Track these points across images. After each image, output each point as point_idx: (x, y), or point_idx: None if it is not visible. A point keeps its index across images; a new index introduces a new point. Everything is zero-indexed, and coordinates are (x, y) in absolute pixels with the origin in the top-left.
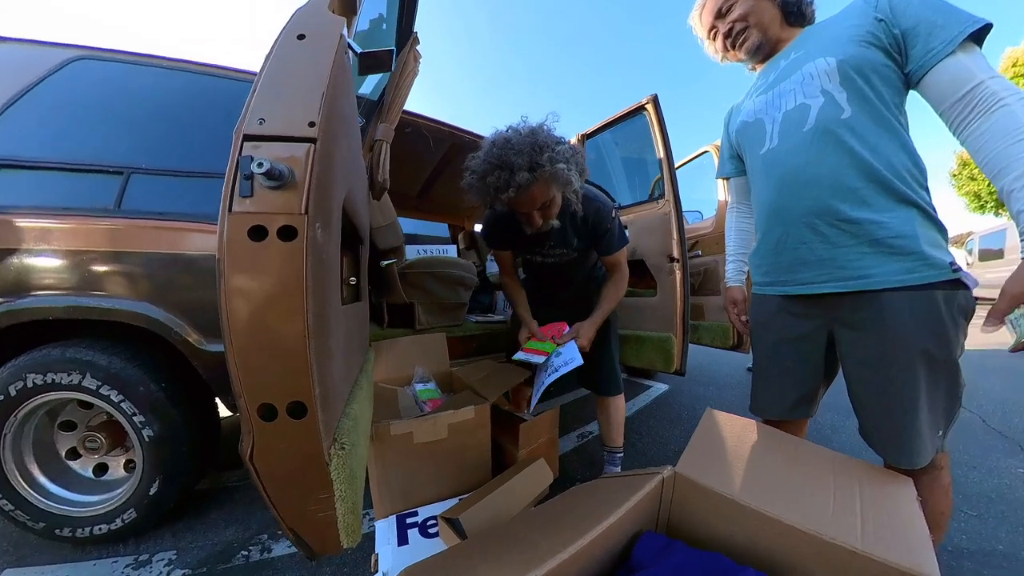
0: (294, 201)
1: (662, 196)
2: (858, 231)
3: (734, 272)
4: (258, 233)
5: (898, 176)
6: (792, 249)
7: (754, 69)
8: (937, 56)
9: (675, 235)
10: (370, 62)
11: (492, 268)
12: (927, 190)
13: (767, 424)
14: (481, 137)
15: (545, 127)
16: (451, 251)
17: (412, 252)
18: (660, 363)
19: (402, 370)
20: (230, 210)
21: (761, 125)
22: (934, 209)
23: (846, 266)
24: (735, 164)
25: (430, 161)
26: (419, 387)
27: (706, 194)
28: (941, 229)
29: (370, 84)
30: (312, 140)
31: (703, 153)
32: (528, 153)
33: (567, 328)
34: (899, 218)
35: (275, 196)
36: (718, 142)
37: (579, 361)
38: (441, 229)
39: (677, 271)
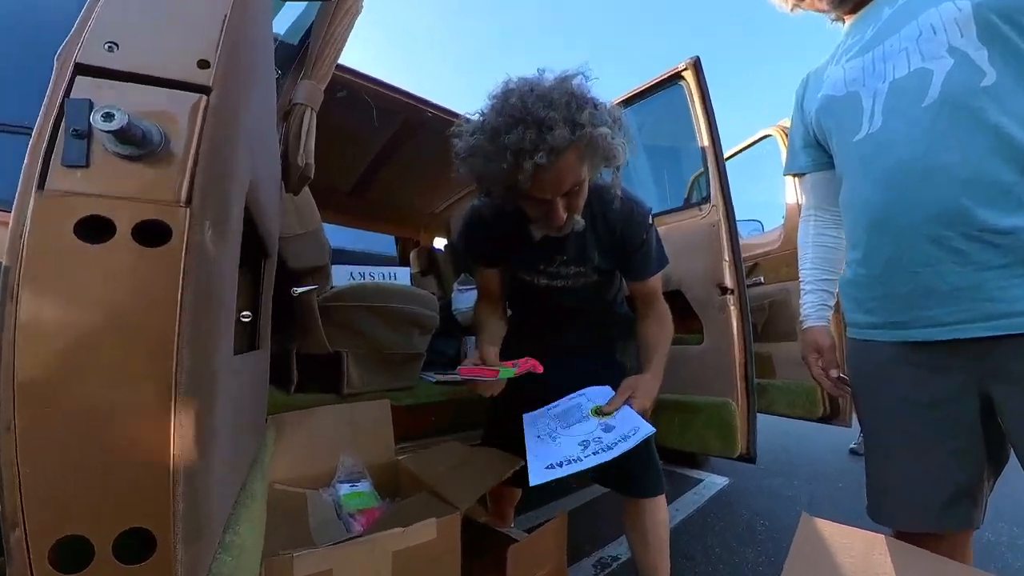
0: (167, 182)
1: (707, 200)
2: (1013, 244)
3: (815, 307)
4: (94, 229)
5: None
6: (909, 274)
7: (839, 21)
8: None
9: (727, 255)
10: None
11: (463, 302)
12: None
13: (902, 539)
14: (453, 113)
15: (577, 81)
16: (401, 276)
17: (342, 276)
18: (716, 443)
19: (318, 461)
20: (41, 187)
21: (856, 101)
22: None
23: (997, 297)
24: (812, 155)
25: (372, 142)
26: (345, 489)
27: (768, 195)
28: None
29: (284, 20)
30: (204, 89)
31: (763, 138)
32: (565, 105)
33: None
34: None
35: (132, 171)
36: (784, 122)
37: (647, 430)
38: (386, 243)
39: (732, 306)
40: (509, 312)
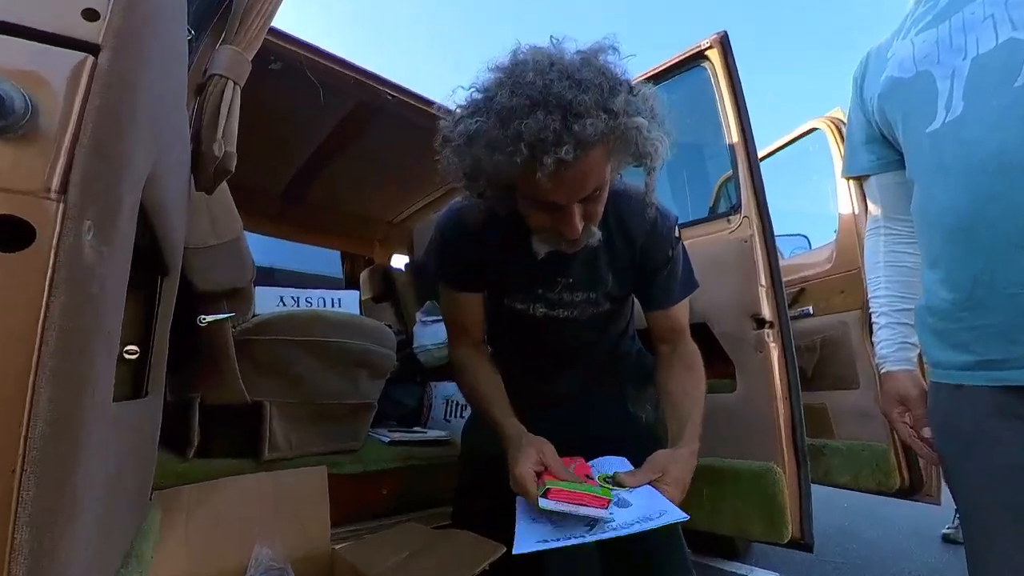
0: (32, 166)
1: (737, 209)
2: None
3: (895, 345)
4: None
5: None
6: (1006, 298)
7: None
8: None
9: (764, 278)
10: None
11: (428, 338)
12: None
13: None
14: (420, 97)
15: (607, 58)
16: (348, 302)
17: (269, 301)
18: (758, 525)
19: (224, 554)
20: None
21: (928, 82)
22: None
23: None
24: (878, 152)
25: (315, 131)
26: None
27: (814, 204)
28: None
29: None
30: (91, 48)
31: (809, 132)
32: (598, 86)
33: (590, 470)
34: None
35: None
36: (836, 112)
37: (677, 515)
38: (329, 261)
39: (772, 344)
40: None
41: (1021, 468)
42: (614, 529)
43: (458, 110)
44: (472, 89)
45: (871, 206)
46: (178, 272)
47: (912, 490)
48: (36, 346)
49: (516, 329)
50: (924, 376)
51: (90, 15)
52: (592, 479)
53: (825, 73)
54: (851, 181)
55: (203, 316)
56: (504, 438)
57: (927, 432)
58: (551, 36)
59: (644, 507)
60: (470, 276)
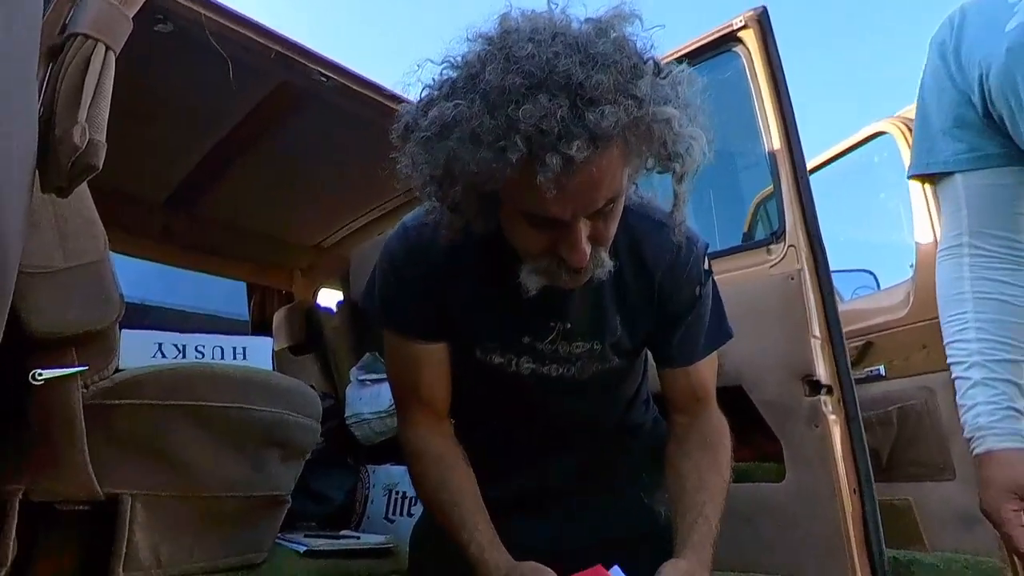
0: None
1: (780, 236)
2: None
3: (995, 411)
4: None
5: None
6: None
7: None
8: None
9: (818, 329)
10: None
11: (366, 404)
12: None
13: None
14: (363, 81)
15: (626, 30)
16: (256, 354)
17: (141, 349)
18: None
19: None
20: None
21: None
22: None
23: None
24: (970, 141)
25: (219, 118)
26: None
27: (883, 231)
28: None
29: None
30: None
31: (875, 136)
32: (616, 66)
33: None
34: None
35: None
36: (906, 111)
37: None
38: (231, 296)
39: (832, 416)
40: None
41: None
42: None
43: (427, 91)
44: (446, 64)
45: (950, 217)
46: (5, 308)
47: None
48: None
49: (490, 393)
50: None
51: None
52: None
53: (898, 62)
54: (925, 185)
55: (38, 370)
56: (478, 569)
57: None
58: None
59: None
60: (430, 319)
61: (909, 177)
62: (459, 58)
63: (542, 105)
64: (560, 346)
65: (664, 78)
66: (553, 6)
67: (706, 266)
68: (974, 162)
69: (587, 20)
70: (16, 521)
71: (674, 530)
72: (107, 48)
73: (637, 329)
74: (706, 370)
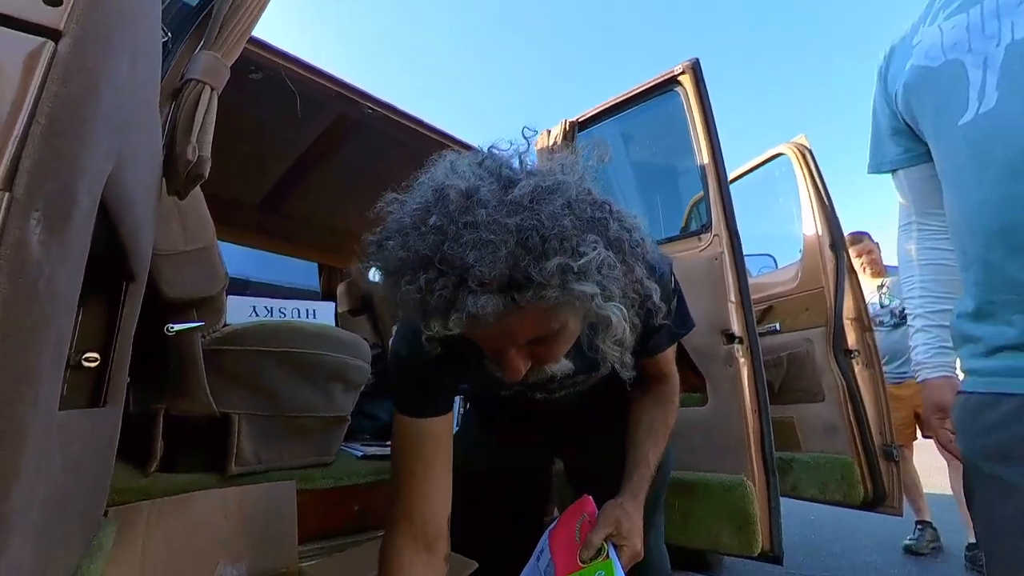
0: None
1: (707, 228)
2: None
3: (933, 350)
4: None
5: None
6: None
7: None
8: None
9: (733, 295)
10: None
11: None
12: None
13: None
14: (399, 111)
15: (576, 175)
16: (323, 314)
17: (241, 311)
18: (729, 538)
19: (185, 572)
20: None
21: (959, 71)
22: None
23: None
24: (906, 145)
25: (294, 142)
26: None
27: (780, 225)
28: None
29: None
30: (51, 33)
31: (775, 157)
32: (510, 250)
33: (586, 511)
34: None
35: None
36: (801, 138)
37: None
38: (306, 273)
39: (742, 358)
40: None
41: None
42: None
43: (368, 242)
44: (394, 212)
45: (901, 202)
46: (145, 279)
47: (876, 502)
48: None
49: (506, 408)
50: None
51: (52, 0)
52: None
53: (792, 102)
54: (822, 188)
55: (171, 325)
56: None
57: (955, 448)
58: (524, 128)
59: None
60: (443, 391)
61: (869, 172)
62: (396, 214)
63: (422, 286)
64: (565, 382)
65: (581, 256)
66: (519, 145)
67: (673, 285)
68: (911, 160)
69: (528, 182)
70: (161, 429)
71: (625, 461)
72: (212, 89)
73: (615, 353)
74: (670, 354)
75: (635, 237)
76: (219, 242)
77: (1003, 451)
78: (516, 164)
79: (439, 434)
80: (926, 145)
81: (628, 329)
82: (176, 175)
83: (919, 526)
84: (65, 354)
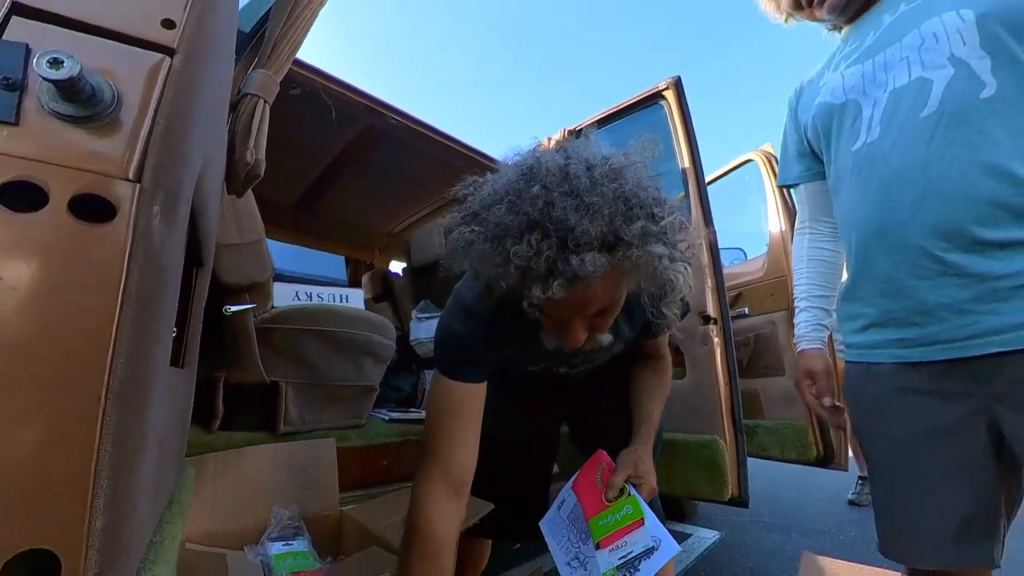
0: (115, 151)
1: (684, 226)
2: (1012, 257)
3: (809, 327)
4: (25, 196)
5: None
6: (908, 290)
7: (835, 30)
8: None
9: (710, 281)
10: None
11: (422, 332)
12: None
13: None
14: (420, 122)
15: (636, 165)
16: (354, 299)
17: (285, 295)
18: (705, 486)
19: (243, 514)
20: None
21: (855, 109)
22: None
23: (999, 310)
24: (807, 164)
25: (327, 149)
26: (277, 547)
27: (750, 223)
28: None
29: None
30: (167, 51)
31: (744, 163)
32: (608, 214)
33: (603, 461)
34: None
35: (73, 135)
36: (768, 146)
37: (672, 547)
38: (335, 265)
39: (716, 338)
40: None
41: (914, 431)
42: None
43: (462, 212)
44: (487, 183)
45: (799, 209)
46: (211, 265)
47: (825, 460)
48: (118, 301)
49: (529, 376)
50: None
51: (168, 24)
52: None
53: (757, 113)
54: (779, 193)
55: (229, 306)
56: None
57: (827, 401)
58: (585, 131)
59: (649, 532)
60: (481, 368)
61: (778, 186)
62: (487, 190)
63: (532, 245)
64: (588, 357)
65: (657, 222)
66: (581, 142)
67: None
68: (810, 177)
69: (608, 161)
70: (222, 394)
71: (632, 420)
72: (265, 102)
73: (635, 330)
74: (665, 337)
75: (681, 216)
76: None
77: (875, 409)
78: (595, 151)
79: (475, 398)
80: (822, 165)
81: (689, 289)
82: (236, 176)
83: (860, 482)
84: (174, 319)
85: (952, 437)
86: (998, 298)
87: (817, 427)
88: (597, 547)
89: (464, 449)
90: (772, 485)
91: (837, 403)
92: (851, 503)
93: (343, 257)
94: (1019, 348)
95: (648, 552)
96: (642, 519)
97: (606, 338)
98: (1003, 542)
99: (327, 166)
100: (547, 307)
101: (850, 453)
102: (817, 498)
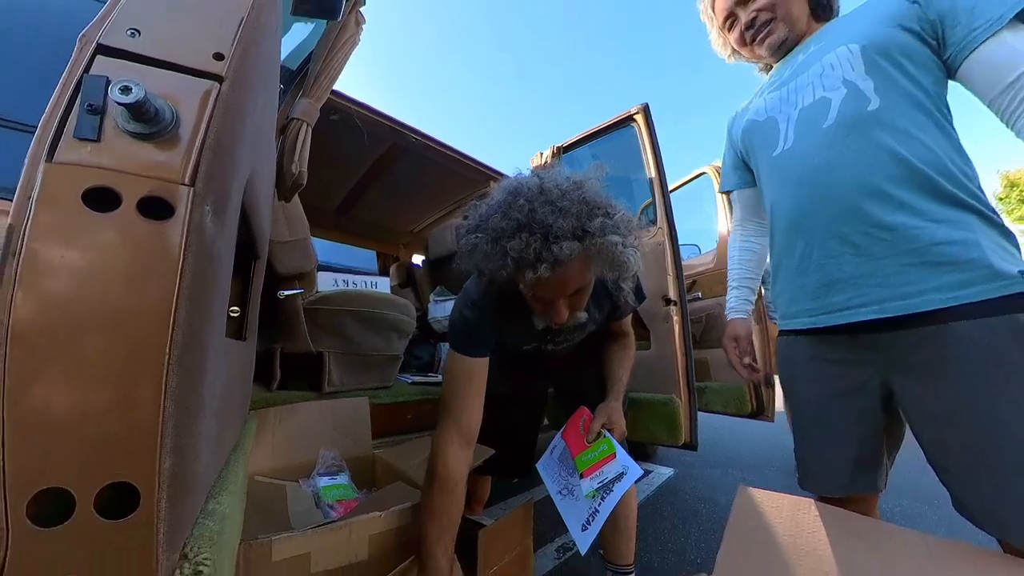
0: (174, 162)
1: (653, 223)
2: (896, 239)
3: (737, 301)
4: (103, 199)
5: (944, 173)
6: (818, 267)
7: (766, 69)
8: (980, 36)
9: (671, 270)
10: (311, 3)
11: (438, 312)
12: (983, 192)
13: (824, 502)
14: (435, 140)
15: (591, 180)
16: (382, 285)
17: (326, 282)
18: (663, 434)
19: (298, 454)
20: (50, 157)
21: (773, 124)
22: (996, 213)
23: (885, 283)
24: (740, 175)
25: (360, 164)
26: (324, 481)
27: (704, 223)
28: (1008, 235)
29: (287, 46)
30: (217, 78)
31: (699, 175)
32: (575, 213)
33: (585, 413)
34: (950, 222)
35: (141, 149)
36: (717, 163)
37: (636, 471)
38: (367, 258)
39: (675, 316)
40: None
41: (824, 392)
42: (606, 494)
43: (466, 225)
44: (482, 205)
45: (735, 210)
46: (265, 257)
47: (757, 413)
48: (176, 284)
49: (522, 357)
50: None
51: (218, 56)
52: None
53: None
54: (723, 199)
55: (282, 291)
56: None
57: (747, 360)
58: (552, 161)
59: (618, 465)
60: (487, 344)
61: (720, 192)
62: (485, 207)
63: (523, 241)
64: (563, 336)
65: (612, 217)
66: (553, 168)
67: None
68: (743, 185)
69: (568, 178)
70: (278, 361)
71: (606, 388)
72: (308, 125)
73: (603, 313)
74: (629, 319)
75: (627, 214)
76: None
77: (797, 374)
78: (562, 174)
79: (481, 370)
80: (752, 176)
81: (639, 270)
82: (284, 185)
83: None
84: (227, 301)
85: (854, 396)
86: (883, 271)
87: (752, 387)
88: (581, 477)
89: (473, 409)
90: (715, 433)
91: (753, 363)
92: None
93: (374, 252)
94: (896, 316)
95: (619, 477)
96: (615, 454)
97: (582, 315)
98: (887, 473)
99: (361, 177)
100: (537, 290)
101: (778, 407)
102: (750, 442)
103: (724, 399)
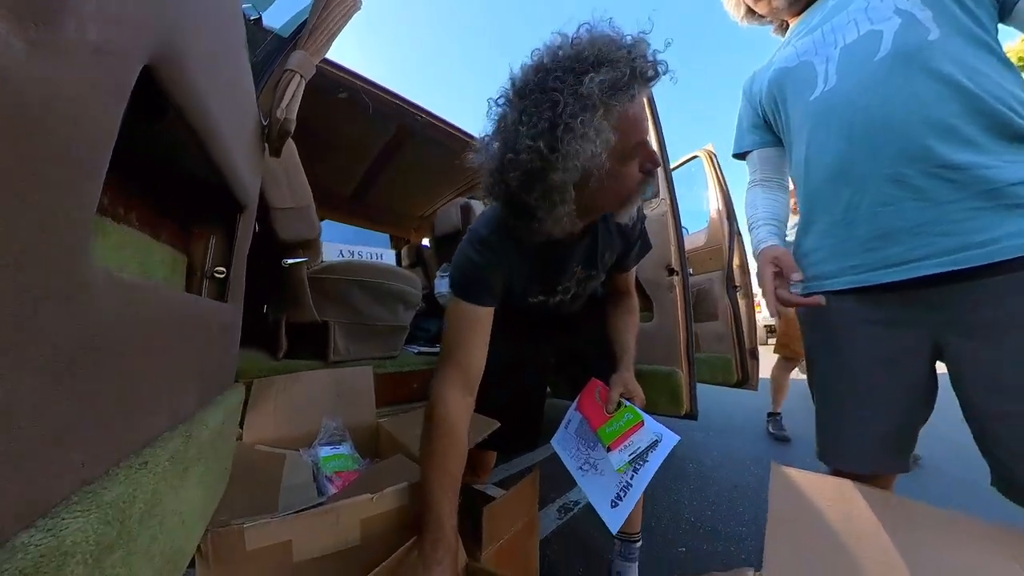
0: None
1: (656, 195)
2: (966, 179)
3: (768, 233)
4: None
5: (1015, 110)
6: (869, 216)
7: (781, 29)
8: None
9: (674, 241)
10: None
11: (442, 287)
12: None
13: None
14: (443, 120)
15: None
16: (387, 257)
17: (332, 252)
18: (666, 405)
19: (301, 423)
20: None
21: (809, 67)
22: None
23: (953, 231)
24: (761, 134)
25: (370, 148)
26: (325, 451)
27: (693, 205)
28: None
29: (280, 15)
30: None
31: (692, 159)
32: (632, 44)
33: (598, 385)
34: (1022, 162)
35: None
36: (710, 146)
37: (672, 438)
38: (381, 240)
39: (677, 287)
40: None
41: (871, 363)
42: (640, 467)
43: (505, 125)
44: (492, 111)
45: (751, 172)
46: (253, 210)
47: (743, 382)
48: None
49: (530, 309)
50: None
51: None
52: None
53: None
54: (721, 179)
55: (286, 260)
56: (432, 530)
57: (783, 293)
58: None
59: (651, 430)
60: (495, 290)
61: (733, 155)
62: (500, 109)
63: (605, 71)
64: (574, 283)
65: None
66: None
67: (642, 212)
68: (761, 145)
69: (562, 36)
70: (284, 330)
71: (615, 355)
72: (301, 77)
73: (611, 259)
74: (633, 273)
75: None
76: (327, 221)
77: (832, 338)
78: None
79: (485, 319)
80: (773, 135)
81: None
82: (272, 133)
83: (770, 418)
84: (94, 196)
85: (905, 362)
86: (951, 219)
87: (739, 358)
88: (608, 450)
89: (475, 356)
90: (704, 403)
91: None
92: (771, 435)
93: (388, 235)
94: (965, 268)
95: (653, 445)
96: (642, 421)
97: (608, 257)
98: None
99: (372, 163)
100: (641, 129)
101: (760, 376)
102: (735, 409)
103: (711, 369)
